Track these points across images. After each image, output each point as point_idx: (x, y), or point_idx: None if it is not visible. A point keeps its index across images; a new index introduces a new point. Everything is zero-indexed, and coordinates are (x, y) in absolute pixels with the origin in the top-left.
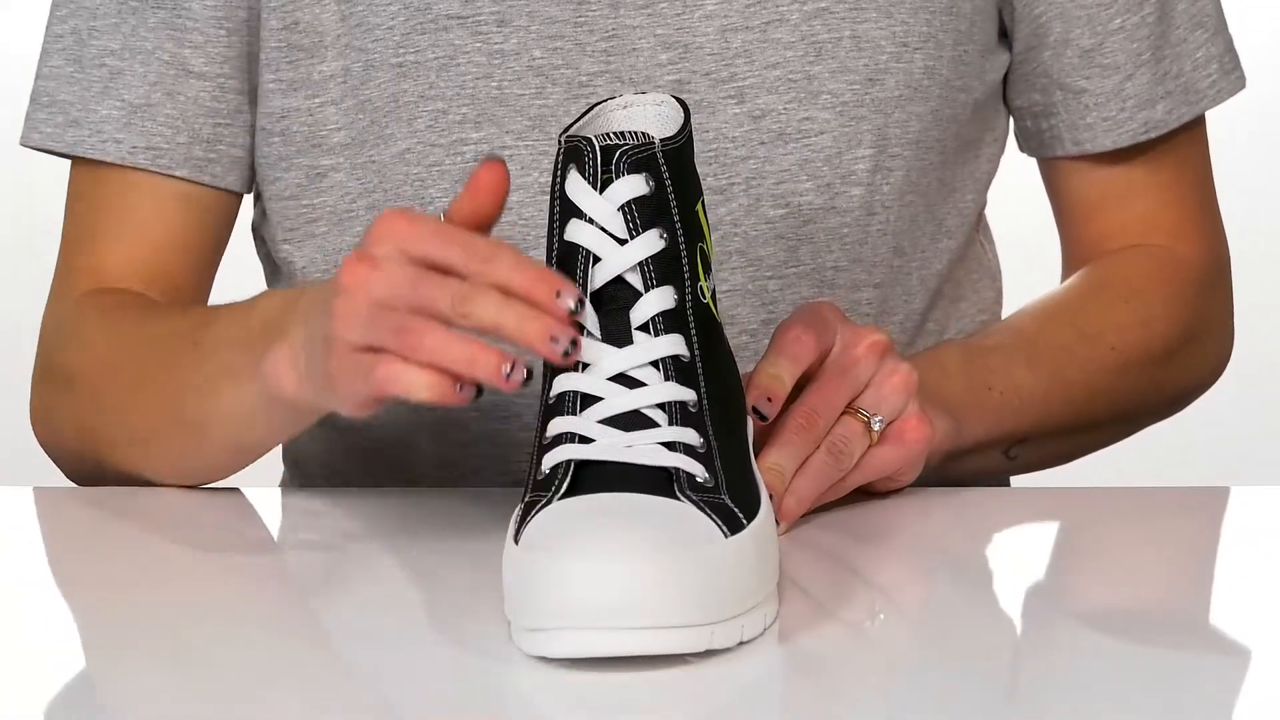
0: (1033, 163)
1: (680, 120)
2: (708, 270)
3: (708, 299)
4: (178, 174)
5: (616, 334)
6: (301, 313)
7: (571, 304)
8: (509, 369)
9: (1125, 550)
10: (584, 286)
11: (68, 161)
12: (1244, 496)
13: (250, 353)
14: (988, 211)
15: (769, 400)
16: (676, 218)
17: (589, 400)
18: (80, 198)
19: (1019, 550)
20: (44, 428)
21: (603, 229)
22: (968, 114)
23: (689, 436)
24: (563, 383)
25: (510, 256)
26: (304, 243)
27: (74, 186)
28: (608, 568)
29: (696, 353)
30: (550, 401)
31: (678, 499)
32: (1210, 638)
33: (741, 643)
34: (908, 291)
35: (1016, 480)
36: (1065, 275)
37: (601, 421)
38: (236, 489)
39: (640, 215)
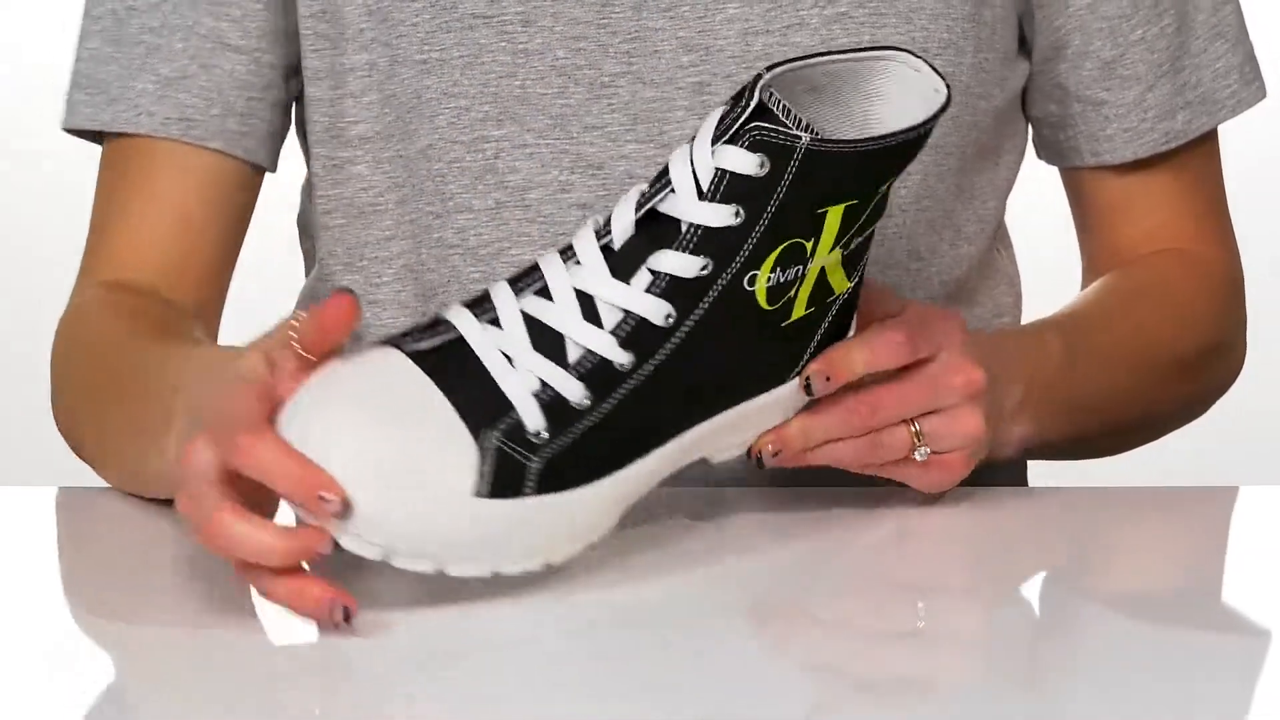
0: (1051, 169)
1: (915, 120)
2: (794, 269)
3: (757, 289)
4: (211, 145)
5: (623, 266)
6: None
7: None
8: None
9: (1135, 550)
10: (643, 204)
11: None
12: (1254, 496)
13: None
14: (1007, 217)
15: (827, 379)
16: (772, 208)
17: (542, 294)
18: (106, 179)
19: (1028, 549)
20: (55, 411)
21: (694, 174)
22: (988, 121)
23: (568, 389)
24: (548, 268)
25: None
26: (321, 234)
27: (103, 166)
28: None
29: (673, 332)
30: (512, 274)
31: (476, 432)
32: (1221, 636)
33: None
34: (928, 296)
35: (1031, 480)
36: (1086, 281)
37: (523, 320)
38: None
39: (727, 189)
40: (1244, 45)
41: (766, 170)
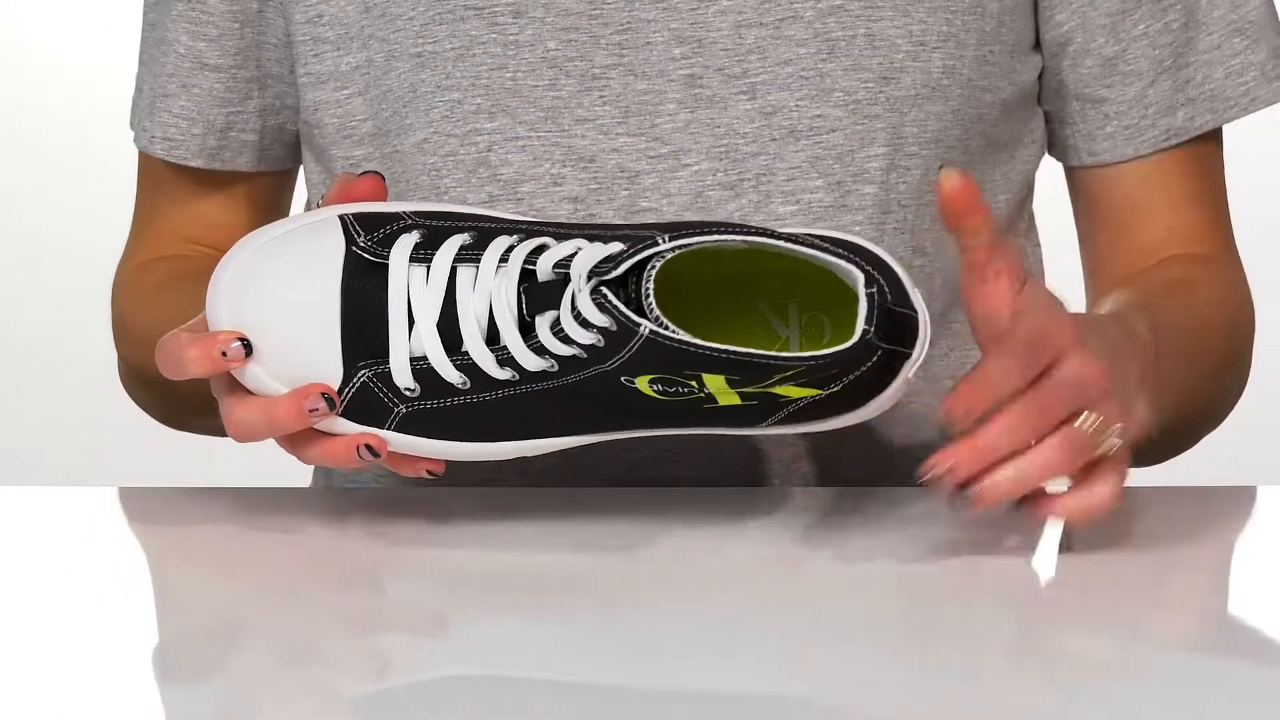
0: None
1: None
2: (684, 386)
3: (638, 385)
4: (193, 164)
5: (530, 302)
6: None
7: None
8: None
9: (1150, 550)
10: (558, 265)
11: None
12: (1271, 496)
13: None
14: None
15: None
16: (629, 352)
17: (474, 271)
18: (139, 179)
19: (1043, 549)
20: (122, 378)
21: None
22: (995, 114)
23: (447, 373)
24: (486, 258)
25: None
26: None
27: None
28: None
29: (554, 378)
30: (476, 229)
31: (351, 364)
32: (1238, 637)
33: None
34: (929, 292)
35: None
36: (1095, 285)
37: (445, 287)
38: (263, 489)
39: (585, 322)
40: (1269, 42)
41: (617, 329)
